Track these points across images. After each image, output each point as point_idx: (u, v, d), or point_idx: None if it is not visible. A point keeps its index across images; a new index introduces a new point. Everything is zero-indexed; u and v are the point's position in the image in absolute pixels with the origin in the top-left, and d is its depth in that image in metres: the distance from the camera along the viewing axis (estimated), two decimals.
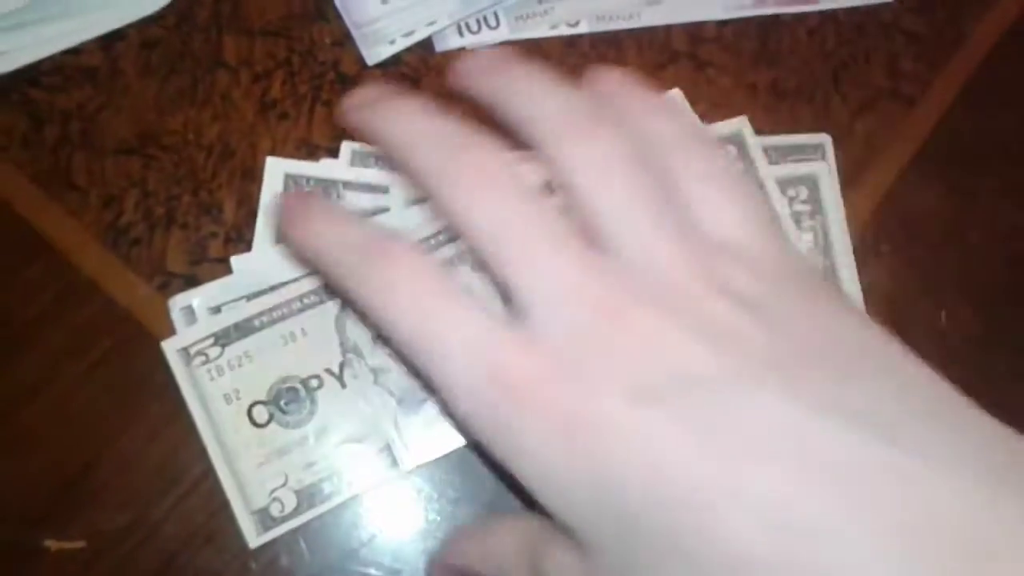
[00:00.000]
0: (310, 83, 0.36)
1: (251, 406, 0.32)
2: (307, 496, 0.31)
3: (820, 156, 0.38)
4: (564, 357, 0.20)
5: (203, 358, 0.32)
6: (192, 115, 0.35)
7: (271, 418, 0.32)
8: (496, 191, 0.21)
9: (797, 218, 0.36)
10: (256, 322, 0.32)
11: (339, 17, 0.37)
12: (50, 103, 0.35)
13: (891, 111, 0.39)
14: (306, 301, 0.33)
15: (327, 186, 0.34)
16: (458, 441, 0.32)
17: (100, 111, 0.35)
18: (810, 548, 0.17)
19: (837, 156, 0.38)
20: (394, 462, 0.32)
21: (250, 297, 0.33)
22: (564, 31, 0.39)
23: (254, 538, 0.31)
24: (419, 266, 0.21)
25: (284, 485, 0.31)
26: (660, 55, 0.39)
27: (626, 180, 0.21)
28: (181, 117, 0.35)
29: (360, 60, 0.37)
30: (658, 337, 0.19)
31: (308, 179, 0.34)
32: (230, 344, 0.32)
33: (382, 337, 0.32)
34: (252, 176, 0.34)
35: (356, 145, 0.35)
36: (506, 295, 0.21)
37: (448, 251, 0.33)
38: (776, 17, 0.40)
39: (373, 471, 0.32)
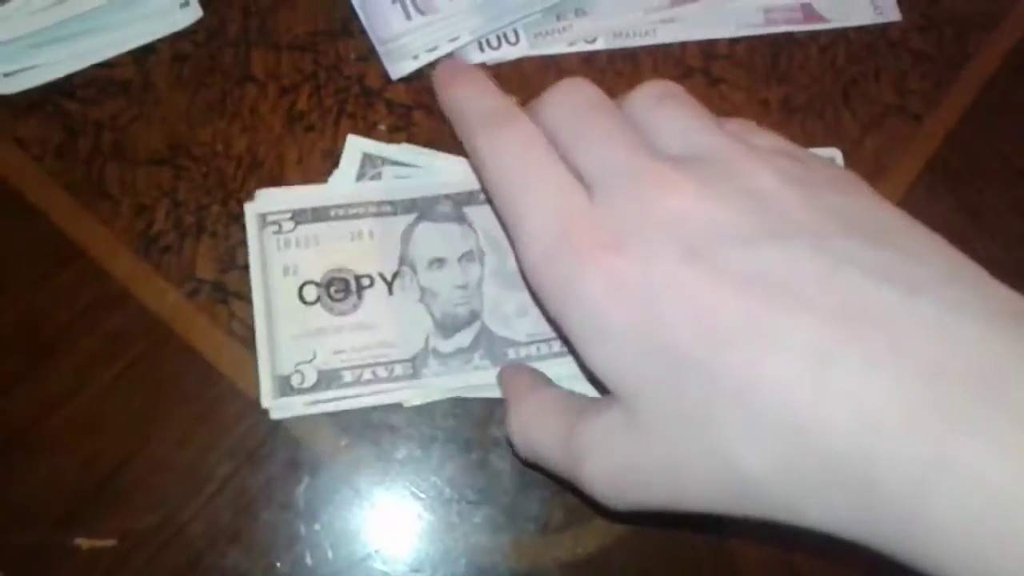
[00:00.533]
0: (335, 96, 0.38)
1: (304, 283, 0.35)
2: (327, 377, 0.34)
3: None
4: (622, 224, 0.24)
5: (276, 227, 0.35)
6: (221, 127, 0.37)
7: (318, 299, 0.35)
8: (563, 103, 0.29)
9: None
10: (332, 212, 0.36)
11: (364, 33, 0.39)
12: (84, 115, 0.37)
13: (899, 127, 0.42)
14: (382, 208, 0.36)
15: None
16: (466, 382, 0.35)
17: (132, 123, 0.37)
18: (845, 383, 0.20)
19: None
20: (414, 376, 0.35)
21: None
22: (582, 47, 0.41)
23: (269, 400, 0.34)
24: (532, 135, 0.27)
25: (310, 361, 0.34)
26: (675, 71, 0.41)
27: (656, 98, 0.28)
28: (211, 129, 0.37)
29: (384, 74, 0.39)
30: (703, 203, 0.23)
31: (383, 159, 0.37)
32: (304, 223, 0.35)
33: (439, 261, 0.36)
34: (279, 185, 0.36)
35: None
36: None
37: None
38: (789, 35, 0.42)
39: (392, 383, 0.35)
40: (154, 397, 0.34)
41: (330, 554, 0.33)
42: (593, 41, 0.41)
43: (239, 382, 0.34)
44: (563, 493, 0.35)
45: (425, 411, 0.35)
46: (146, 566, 0.32)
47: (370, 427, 0.35)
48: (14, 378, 0.34)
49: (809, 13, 0.43)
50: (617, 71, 0.41)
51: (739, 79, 0.41)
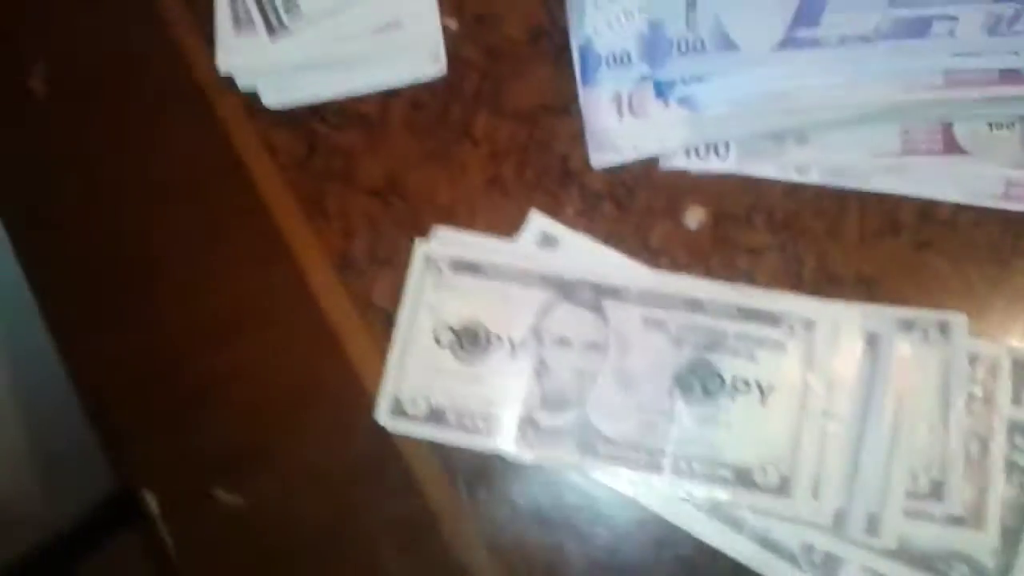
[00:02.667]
0: (537, 170, 0.47)
1: (442, 325, 0.45)
2: (436, 414, 0.43)
3: (1022, 374, 0.42)
4: None
5: (437, 270, 0.45)
6: (433, 175, 0.47)
7: (450, 344, 0.44)
8: None
9: (1011, 468, 0.41)
10: (487, 270, 0.45)
11: (580, 116, 0.47)
12: (327, 137, 0.49)
13: None
14: (529, 279, 0.45)
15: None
16: (554, 458, 0.41)
17: (363, 153, 0.48)
18: None
19: None
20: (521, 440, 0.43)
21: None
22: (792, 176, 0.46)
23: (383, 417, 0.44)
24: None
25: (427, 395, 0.44)
26: (883, 223, 0.45)
27: None
28: (423, 175, 0.47)
29: (587, 160, 0.47)
30: None
31: (557, 240, 0.46)
32: (460, 272, 0.45)
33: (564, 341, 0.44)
34: None
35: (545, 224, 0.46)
36: None
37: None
38: (1022, 216, 0.44)
39: (487, 438, 0.43)
40: (306, 393, 0.45)
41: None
42: (805, 172, 0.46)
43: (376, 403, 0.44)
44: None
45: (525, 480, 0.43)
46: (259, 533, 0.44)
47: (475, 481, 0.43)
48: (213, 346, 0.46)
49: None
50: (820, 210, 0.46)
51: (951, 250, 0.44)
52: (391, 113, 0.49)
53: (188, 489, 0.44)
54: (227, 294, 0.47)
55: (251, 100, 0.49)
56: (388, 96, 0.49)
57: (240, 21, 0.48)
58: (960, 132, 0.46)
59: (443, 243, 0.46)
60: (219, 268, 0.47)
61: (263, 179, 0.48)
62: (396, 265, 0.46)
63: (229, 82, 0.49)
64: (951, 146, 0.46)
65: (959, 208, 0.45)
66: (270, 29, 0.48)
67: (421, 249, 0.46)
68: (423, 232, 0.46)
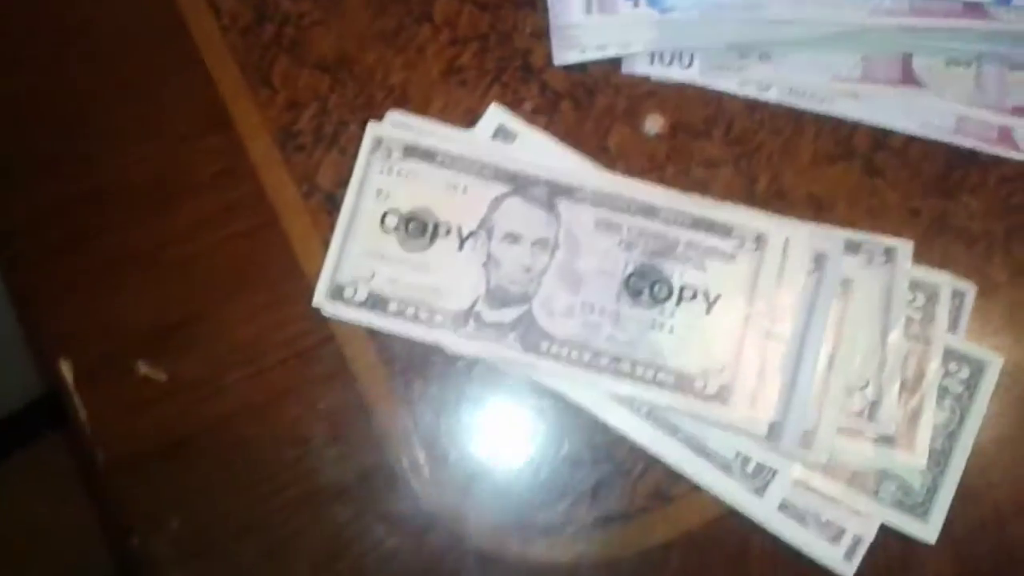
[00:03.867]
0: (497, 63, 0.44)
1: (388, 211, 0.42)
2: (376, 300, 0.41)
3: (959, 303, 0.42)
4: None
5: (387, 153, 0.42)
6: (387, 56, 0.44)
7: (396, 229, 0.42)
8: None
9: (943, 392, 0.40)
10: (440, 157, 0.42)
11: (545, 11, 0.44)
12: (276, 4, 0.44)
13: None
14: (484, 171, 0.42)
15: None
16: (494, 354, 0.39)
17: (314, 25, 0.44)
18: None
19: (973, 309, 0.41)
20: (451, 330, 0.40)
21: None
22: (751, 92, 0.44)
23: (320, 300, 0.41)
24: None
25: (367, 280, 0.41)
26: (836, 148, 0.44)
27: None
28: (377, 54, 0.44)
29: (549, 57, 0.44)
30: None
31: (515, 136, 0.43)
32: (411, 158, 0.42)
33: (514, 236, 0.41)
34: None
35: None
36: None
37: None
38: (973, 152, 0.44)
39: (429, 328, 0.41)
40: (242, 271, 0.42)
41: (330, 464, 0.40)
42: (766, 89, 0.45)
43: (315, 287, 0.41)
44: (556, 500, 0.40)
45: (462, 374, 0.41)
46: (181, 410, 0.40)
47: (410, 370, 0.41)
48: (138, 212, 0.42)
49: (1005, 136, 0.44)
50: (777, 128, 0.44)
51: (900, 179, 0.43)
52: None
53: (107, 360, 0.40)
54: (160, 159, 0.43)
55: None
56: None
57: None
58: (918, 65, 0.45)
59: (396, 127, 0.43)
60: (152, 131, 0.43)
61: (205, 41, 0.44)
62: (343, 147, 0.43)
63: None
64: (908, 77, 0.45)
65: (911, 139, 0.44)
66: None
67: (373, 131, 0.42)
68: (373, 115, 0.43)
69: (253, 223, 0.42)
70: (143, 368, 0.40)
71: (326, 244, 0.41)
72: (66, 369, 0.40)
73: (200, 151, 0.43)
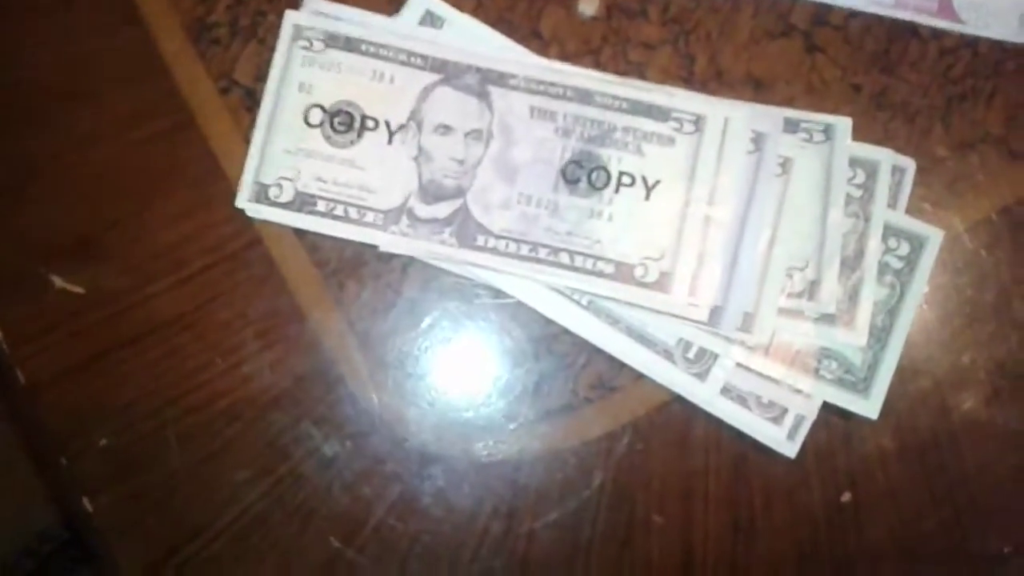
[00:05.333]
0: None
1: (312, 105, 0.38)
2: (302, 199, 0.37)
3: (899, 179, 0.39)
4: None
5: (306, 43, 0.38)
6: None
7: (320, 124, 0.38)
8: None
9: (883, 269, 0.38)
10: (364, 46, 0.38)
11: None
12: None
13: (992, 160, 0.40)
14: (412, 59, 0.38)
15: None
16: (433, 254, 0.37)
17: None
18: None
19: (914, 184, 0.39)
20: (383, 228, 0.37)
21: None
22: None
23: (243, 201, 0.37)
24: None
25: (292, 179, 0.37)
26: (775, 25, 0.41)
27: None
28: None
29: None
30: None
31: (443, 20, 0.39)
32: (333, 48, 0.38)
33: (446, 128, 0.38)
34: None
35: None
36: None
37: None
38: (912, 26, 0.41)
39: (360, 227, 0.37)
40: (159, 174, 0.38)
41: (264, 372, 0.37)
42: None
43: (237, 188, 0.38)
44: (497, 397, 0.37)
45: (396, 274, 0.38)
46: (102, 322, 0.37)
47: (342, 272, 0.38)
48: (45, 115, 0.38)
49: (945, 8, 0.41)
50: (714, 6, 0.41)
51: (840, 55, 0.41)
52: None
53: (19, 276, 0.37)
54: (63, 58, 0.38)
55: None
56: None
57: None
58: None
59: (316, 15, 0.38)
60: (58, 28, 0.38)
61: None
62: (261, 38, 0.39)
63: None
64: None
65: (852, 14, 0.41)
66: None
67: (291, 20, 0.38)
68: (292, 3, 0.39)
69: (168, 123, 0.38)
70: (58, 282, 0.37)
71: (248, 142, 0.38)
72: None
73: (108, 49, 0.38)
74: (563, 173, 0.38)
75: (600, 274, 0.37)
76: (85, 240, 0.37)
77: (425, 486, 0.37)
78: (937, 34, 0.41)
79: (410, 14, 0.39)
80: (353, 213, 0.37)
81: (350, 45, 0.38)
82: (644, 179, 0.38)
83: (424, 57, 0.38)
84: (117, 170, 0.38)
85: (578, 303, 0.38)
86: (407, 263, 0.38)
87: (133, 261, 0.37)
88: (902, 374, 0.37)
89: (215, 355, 0.37)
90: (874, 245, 0.38)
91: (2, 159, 0.37)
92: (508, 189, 0.38)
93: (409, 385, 0.37)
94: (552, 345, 0.38)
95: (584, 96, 0.38)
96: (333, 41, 0.38)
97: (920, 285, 0.38)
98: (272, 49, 0.38)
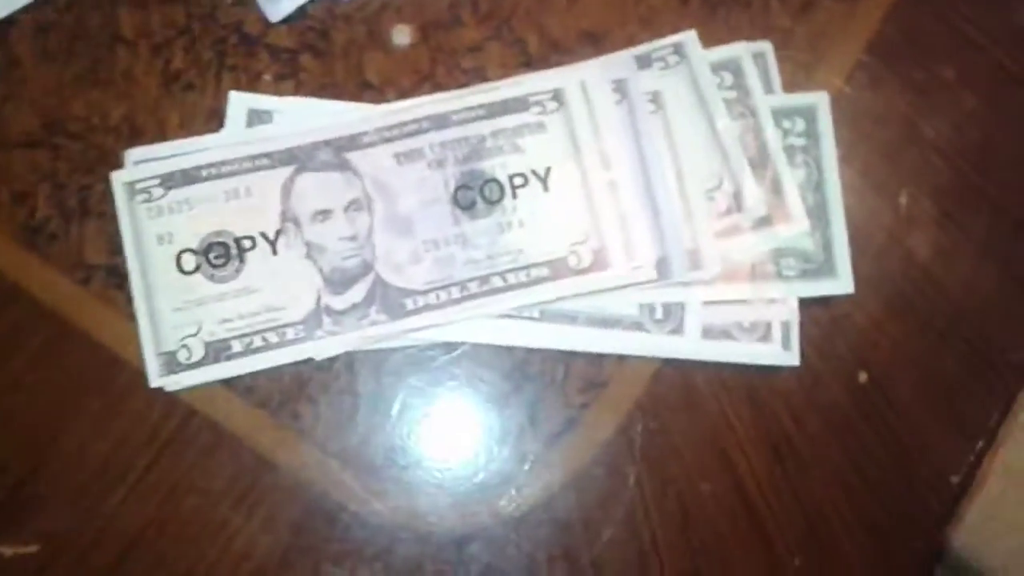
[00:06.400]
0: (213, 49, 0.37)
1: (181, 252, 0.34)
2: (215, 349, 0.33)
3: (763, 65, 0.38)
4: None
5: (146, 195, 0.34)
6: (95, 97, 0.36)
7: (198, 268, 0.34)
8: None
9: (791, 152, 0.37)
10: (204, 172, 0.35)
11: None
12: None
13: (833, 9, 0.39)
14: (258, 163, 0.35)
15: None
16: (369, 339, 0.34)
17: (1, 105, 0.35)
18: None
19: (779, 64, 0.38)
20: (307, 339, 0.34)
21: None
22: None
23: (156, 379, 0.33)
24: None
25: (196, 335, 0.33)
26: None
27: None
28: (84, 101, 0.36)
29: (263, 18, 0.37)
30: None
31: (270, 113, 0.36)
32: (174, 187, 0.34)
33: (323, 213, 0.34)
34: None
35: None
36: None
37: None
38: None
39: (285, 348, 0.34)
40: (60, 394, 0.34)
41: (256, 534, 0.33)
42: None
43: (145, 369, 0.34)
44: (499, 445, 0.34)
45: (343, 377, 0.34)
46: (75, 566, 0.32)
47: (288, 400, 0.34)
48: None
49: None
50: None
51: None
52: (15, 47, 0.36)
53: None
54: None
55: None
56: (5, 29, 0.36)
57: None
58: None
59: (142, 164, 0.35)
60: None
61: None
62: (99, 212, 0.35)
63: None
64: None
65: None
66: None
67: (120, 180, 0.34)
68: (112, 164, 0.35)
69: (42, 339, 0.34)
70: (7, 551, 0.32)
71: (132, 320, 0.34)
72: None
73: None
74: (456, 202, 0.35)
75: (538, 280, 0.34)
76: (14, 496, 0.33)
77: (472, 568, 0.33)
78: None
79: (235, 121, 0.36)
80: (272, 337, 0.34)
81: (189, 177, 0.34)
82: (535, 172, 0.35)
83: (268, 155, 0.35)
84: (10, 413, 0.33)
85: (530, 318, 0.35)
86: (349, 360, 0.34)
87: (73, 493, 0.33)
88: (855, 240, 0.36)
89: (202, 546, 0.33)
90: (771, 134, 0.36)
91: None
92: (411, 242, 0.35)
93: (408, 478, 0.34)
94: (526, 370, 0.35)
95: (440, 121, 0.36)
96: (170, 180, 0.34)
97: (830, 151, 0.37)
98: (113, 217, 0.34)
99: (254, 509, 0.33)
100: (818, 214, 0.36)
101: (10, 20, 0.36)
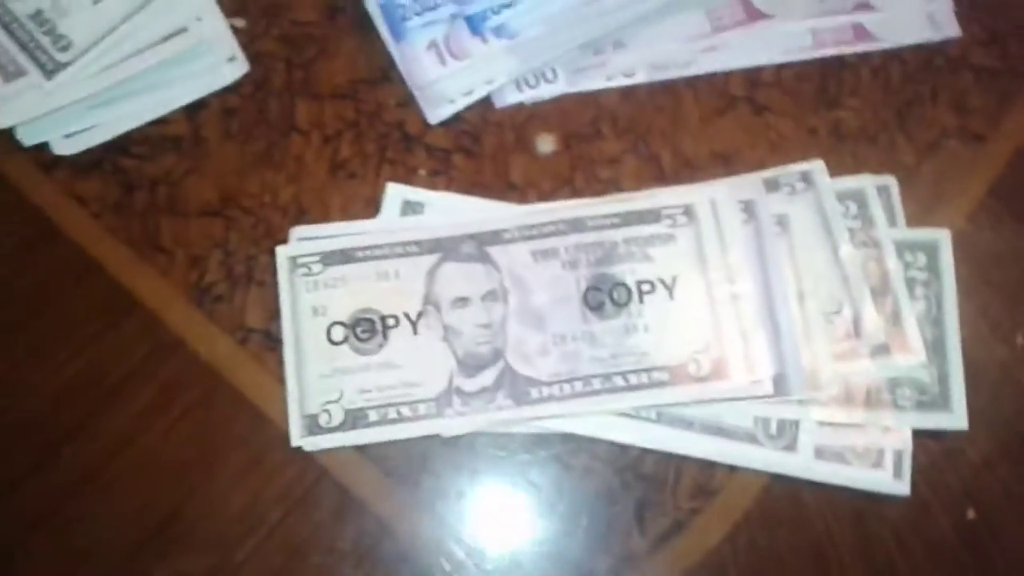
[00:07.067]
0: (377, 143, 0.40)
1: (332, 324, 0.37)
2: (352, 416, 0.35)
3: (887, 197, 0.39)
4: None
5: (306, 270, 0.37)
6: (269, 178, 0.39)
7: (345, 339, 0.36)
8: None
9: (911, 285, 0.37)
10: (359, 253, 0.37)
11: (402, 80, 0.40)
12: (139, 170, 0.39)
13: (959, 150, 0.40)
14: (408, 249, 0.37)
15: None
16: (495, 422, 0.35)
17: (185, 176, 0.39)
18: None
19: (902, 199, 0.39)
20: (437, 416, 0.36)
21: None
22: (621, 82, 0.41)
23: (298, 439, 0.35)
24: None
25: (337, 401, 0.36)
26: (718, 101, 0.41)
27: None
28: (259, 180, 0.39)
29: (423, 119, 0.40)
30: None
31: (423, 205, 0.39)
32: (332, 265, 0.37)
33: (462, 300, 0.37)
34: None
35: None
36: None
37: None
38: (838, 58, 0.42)
39: (417, 423, 0.36)
40: (208, 443, 0.36)
41: None
42: (632, 75, 0.41)
43: (287, 429, 0.36)
44: (606, 539, 0.35)
45: (466, 455, 0.36)
46: None
47: (414, 472, 0.36)
48: (78, 427, 0.36)
49: (860, 32, 0.42)
50: (658, 105, 0.41)
51: (786, 107, 0.41)
52: (203, 127, 0.40)
53: None
54: (80, 369, 0.36)
55: (42, 155, 0.39)
56: (194, 110, 0.40)
57: (8, 72, 0.38)
58: None
59: (305, 242, 0.38)
60: (62, 345, 0.37)
61: (81, 235, 0.38)
62: (260, 280, 0.38)
63: (11, 142, 0.38)
64: (754, 14, 0.42)
65: (780, 67, 0.42)
66: (45, 71, 0.38)
67: (284, 254, 0.37)
68: (277, 239, 0.38)
69: (199, 392, 0.36)
70: None
71: (281, 382, 0.36)
72: None
73: (118, 343, 0.37)
74: (585, 302, 0.37)
75: (658, 384, 0.36)
76: (157, 534, 0.35)
77: None
78: (862, 57, 0.42)
79: (390, 209, 0.39)
80: (406, 411, 0.36)
81: (346, 257, 0.37)
82: (662, 281, 0.37)
83: (418, 243, 0.38)
84: (165, 454, 0.36)
85: (648, 419, 0.36)
86: (474, 438, 0.36)
87: (211, 536, 0.35)
88: (970, 377, 0.36)
89: None
90: (893, 265, 0.37)
91: (47, 488, 0.35)
92: (541, 335, 0.37)
93: (516, 561, 0.35)
94: (638, 469, 0.36)
95: (576, 225, 0.38)
96: (329, 259, 0.37)
97: (950, 286, 0.37)
98: (273, 287, 0.37)
99: (372, 573, 0.35)
100: (935, 347, 0.36)
101: (202, 103, 0.40)
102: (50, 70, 0.38)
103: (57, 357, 0.37)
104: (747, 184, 0.39)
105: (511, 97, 0.41)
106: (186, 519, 0.35)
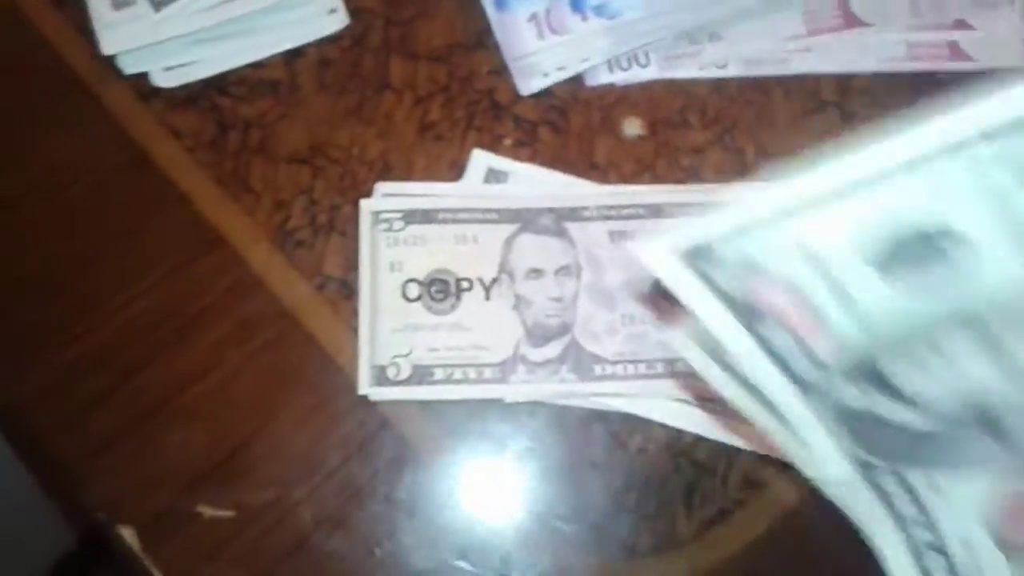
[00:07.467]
0: (466, 108, 0.40)
1: (408, 281, 0.37)
2: (420, 372, 0.36)
3: None
4: None
5: (387, 225, 0.37)
6: (358, 131, 0.40)
7: (419, 297, 0.37)
8: None
9: None
10: (440, 215, 0.38)
11: (498, 48, 0.40)
12: (234, 110, 0.40)
13: None
14: (487, 216, 0.38)
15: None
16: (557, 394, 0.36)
17: (278, 121, 0.40)
18: None
19: None
20: (502, 381, 0.36)
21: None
22: (713, 73, 0.41)
23: (365, 387, 0.36)
24: None
25: (407, 355, 0.36)
26: (808, 102, 0.41)
27: None
28: (348, 132, 0.40)
29: (514, 89, 0.40)
30: None
31: (506, 174, 0.39)
32: (413, 224, 0.38)
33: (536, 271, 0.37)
34: None
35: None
36: None
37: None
38: (931, 73, 0.41)
39: (481, 385, 0.36)
40: (277, 382, 0.37)
41: (424, 549, 0.35)
42: (724, 67, 0.41)
43: (355, 377, 0.36)
44: (653, 519, 0.36)
45: (525, 422, 0.36)
46: (258, 539, 0.35)
47: (473, 433, 0.36)
48: (153, 355, 0.37)
49: (955, 51, 0.42)
50: (747, 100, 0.41)
51: (874, 116, 0.41)
52: (300, 75, 0.40)
53: (167, 514, 0.35)
54: (161, 298, 0.37)
55: (142, 84, 0.39)
56: (292, 57, 0.40)
57: (117, 0, 0.39)
58: (856, 5, 0.42)
59: (388, 198, 0.38)
60: (145, 272, 0.38)
61: (173, 167, 0.39)
62: (342, 230, 0.38)
63: (113, 70, 0.39)
64: (851, 20, 0.42)
65: (873, 76, 0.41)
66: (153, 3, 0.38)
67: (368, 207, 0.38)
68: (361, 192, 0.39)
69: (274, 331, 0.37)
70: (207, 511, 0.35)
71: (353, 331, 0.37)
72: (129, 536, 0.34)
73: (199, 276, 0.38)
74: (656, 284, 0.37)
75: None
76: (222, 463, 0.36)
77: None
78: (955, 76, 0.41)
79: (474, 175, 0.39)
80: (471, 373, 0.36)
81: (428, 217, 0.38)
82: None
83: (499, 211, 0.38)
84: (236, 388, 0.36)
85: (706, 408, 0.36)
86: (533, 407, 0.37)
87: (273, 473, 0.36)
88: None
89: (372, 546, 0.35)
90: None
91: (125, 404, 0.36)
92: (610, 314, 0.37)
93: (564, 531, 0.35)
94: (692, 455, 0.36)
95: (655, 210, 0.38)
96: (411, 217, 0.38)
97: None
98: (354, 238, 0.38)
99: (423, 525, 0.35)
100: None
101: (300, 51, 0.41)
102: (158, 2, 0.39)
103: (138, 285, 0.38)
104: None
105: (603, 77, 0.41)
106: (249, 455, 0.36)
